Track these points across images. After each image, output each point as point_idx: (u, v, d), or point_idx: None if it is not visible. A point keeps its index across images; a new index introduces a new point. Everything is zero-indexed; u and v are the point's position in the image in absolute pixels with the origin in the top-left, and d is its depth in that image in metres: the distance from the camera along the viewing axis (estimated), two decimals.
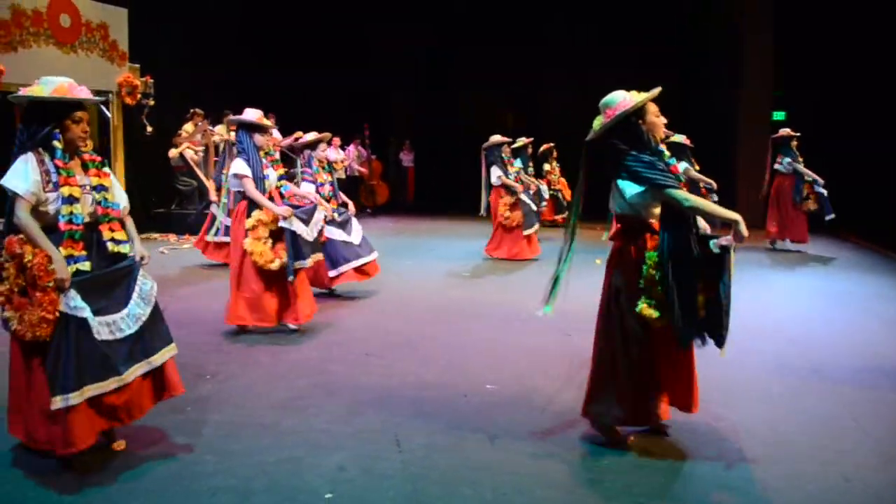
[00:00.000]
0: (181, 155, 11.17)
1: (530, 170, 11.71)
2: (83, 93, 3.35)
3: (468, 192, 11.45)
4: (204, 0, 13.06)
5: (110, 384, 3.21)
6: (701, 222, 3.48)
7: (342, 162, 13.88)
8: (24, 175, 3.18)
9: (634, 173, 3.34)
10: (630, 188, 3.37)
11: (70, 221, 3.24)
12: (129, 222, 3.59)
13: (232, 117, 5.96)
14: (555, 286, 3.65)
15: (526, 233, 9.38)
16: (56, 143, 3.28)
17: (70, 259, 3.19)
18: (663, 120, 3.55)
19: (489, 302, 6.86)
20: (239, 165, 5.34)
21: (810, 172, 10.05)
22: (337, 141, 13.81)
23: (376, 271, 6.97)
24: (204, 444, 3.55)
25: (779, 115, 14.44)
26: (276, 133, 11.56)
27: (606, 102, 3.50)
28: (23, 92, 3.29)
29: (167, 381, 3.49)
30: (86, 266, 3.24)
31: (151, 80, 10.38)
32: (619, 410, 3.50)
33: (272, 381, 4.52)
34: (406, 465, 3.36)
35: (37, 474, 3.22)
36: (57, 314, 3.09)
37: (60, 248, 3.18)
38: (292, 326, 5.56)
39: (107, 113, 10.08)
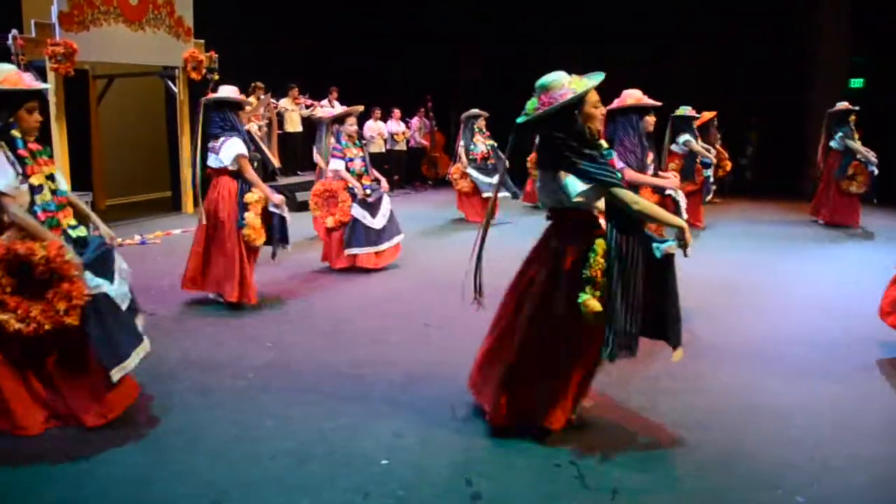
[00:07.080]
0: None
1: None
2: (34, 82, 3.24)
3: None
4: None
5: (145, 347, 3.30)
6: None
7: (403, 133, 13.95)
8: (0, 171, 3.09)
9: (579, 170, 3.04)
10: (574, 184, 3.05)
11: (45, 209, 3.17)
12: (82, 204, 3.52)
13: (210, 97, 5.58)
14: None
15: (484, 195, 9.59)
16: (15, 133, 3.17)
17: None
18: (602, 110, 3.17)
19: None
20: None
21: (862, 149, 9.16)
22: (397, 113, 13.87)
23: (392, 259, 6.97)
24: (265, 409, 3.66)
25: (856, 83, 13.76)
26: (333, 105, 11.71)
27: (543, 85, 3.11)
28: None
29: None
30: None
31: (216, 56, 10.62)
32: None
33: (332, 350, 4.62)
34: (460, 434, 3.40)
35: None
36: (86, 298, 3.10)
37: None
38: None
39: (173, 88, 10.38)
